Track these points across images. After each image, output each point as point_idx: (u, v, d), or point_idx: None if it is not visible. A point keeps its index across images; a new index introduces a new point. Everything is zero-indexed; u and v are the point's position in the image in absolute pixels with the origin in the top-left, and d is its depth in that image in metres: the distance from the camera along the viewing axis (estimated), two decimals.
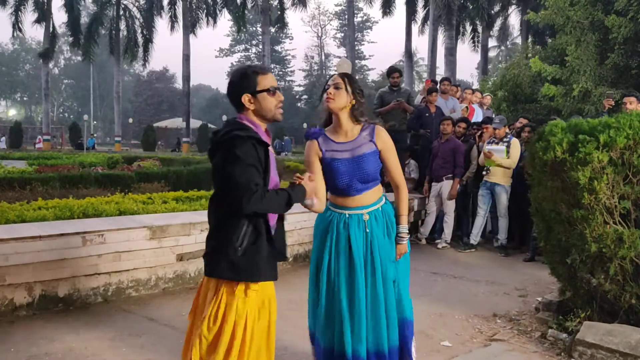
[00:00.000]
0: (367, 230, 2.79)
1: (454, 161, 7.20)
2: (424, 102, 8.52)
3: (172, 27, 35.86)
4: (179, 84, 54.49)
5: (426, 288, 5.16)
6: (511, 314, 4.44)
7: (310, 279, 3.00)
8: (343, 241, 2.80)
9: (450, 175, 7.23)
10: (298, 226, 5.92)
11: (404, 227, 2.91)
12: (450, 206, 7.27)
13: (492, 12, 30.54)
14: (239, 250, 2.23)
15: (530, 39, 26.66)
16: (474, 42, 31.25)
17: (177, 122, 44.41)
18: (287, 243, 5.75)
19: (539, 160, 4.01)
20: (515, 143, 6.89)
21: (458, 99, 8.91)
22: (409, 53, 31.20)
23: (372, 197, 2.84)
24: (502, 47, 46.46)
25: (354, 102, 2.80)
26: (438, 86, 8.81)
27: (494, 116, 8.17)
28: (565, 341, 3.66)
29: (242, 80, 2.32)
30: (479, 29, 30.80)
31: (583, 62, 12.75)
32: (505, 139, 6.94)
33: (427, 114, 8.01)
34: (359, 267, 2.75)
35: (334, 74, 2.85)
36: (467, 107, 8.77)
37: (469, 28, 30.94)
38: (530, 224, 6.10)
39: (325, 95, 2.78)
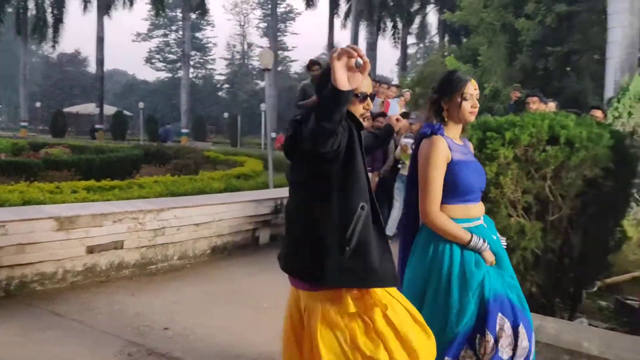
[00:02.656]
0: (495, 238, 2.52)
1: (373, 155, 7.36)
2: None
3: (85, 8, 34.11)
4: (92, 67, 51.83)
5: None
6: None
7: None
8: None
9: (369, 168, 7.36)
10: (217, 217, 5.84)
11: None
12: None
13: (412, 10, 31.47)
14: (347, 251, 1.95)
15: (446, 38, 27.73)
16: (394, 38, 32.09)
17: (89, 108, 42.25)
18: (206, 235, 5.74)
19: None
20: None
21: (375, 93, 9.11)
22: (331, 46, 31.46)
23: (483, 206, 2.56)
24: (421, 45, 47.97)
25: None
26: None
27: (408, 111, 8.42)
28: None
29: None
30: (399, 25, 31.64)
31: (494, 62, 13.44)
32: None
33: None
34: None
35: (466, 80, 2.40)
36: (383, 101, 8.99)
37: (389, 24, 31.73)
38: None
39: (469, 107, 2.40)
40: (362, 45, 28.67)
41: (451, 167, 2.37)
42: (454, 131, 2.47)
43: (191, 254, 5.64)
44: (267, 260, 5.87)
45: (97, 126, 33.70)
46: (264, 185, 9.11)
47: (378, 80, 10.19)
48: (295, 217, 2.11)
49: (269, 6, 37.37)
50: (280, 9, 52.30)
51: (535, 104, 6.56)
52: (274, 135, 21.28)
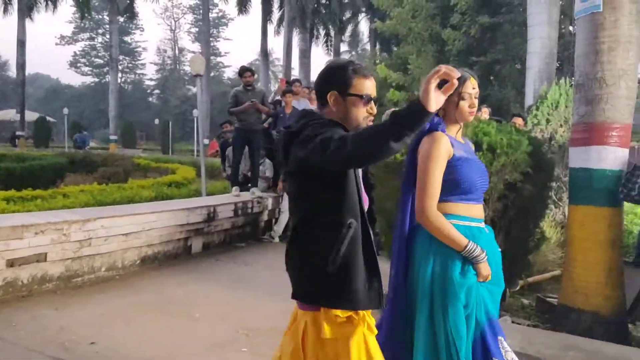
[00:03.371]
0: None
1: None
2: (278, 101, 8.67)
3: (5, 10, 32.28)
4: (12, 72, 49.21)
5: (279, 285, 5.22)
6: None
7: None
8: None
9: None
10: (147, 227, 5.69)
11: None
12: None
13: (344, 18, 31.93)
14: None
15: (378, 46, 28.33)
16: (327, 45, 32.42)
17: (9, 114, 39.93)
18: (136, 245, 5.57)
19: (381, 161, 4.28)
20: None
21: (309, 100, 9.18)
22: (264, 52, 31.44)
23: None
24: (354, 52, 48.76)
25: None
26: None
27: None
28: None
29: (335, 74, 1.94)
30: (332, 33, 32.02)
31: (423, 71, 13.85)
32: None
33: (282, 115, 8.16)
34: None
35: (464, 79, 2.25)
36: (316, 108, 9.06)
37: (322, 32, 32.04)
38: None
39: (467, 107, 2.28)
40: (295, 51, 28.87)
41: (453, 163, 2.23)
42: (453, 130, 2.34)
43: (120, 265, 5.45)
44: (200, 270, 5.79)
45: (18, 133, 31.84)
46: (197, 193, 8.95)
47: (308, 87, 10.25)
48: (292, 233, 1.99)
49: (201, 11, 36.80)
50: (213, 14, 51.62)
51: None
52: (206, 141, 20.94)
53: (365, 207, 1.93)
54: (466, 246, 2.14)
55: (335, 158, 1.67)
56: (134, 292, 4.84)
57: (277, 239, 7.62)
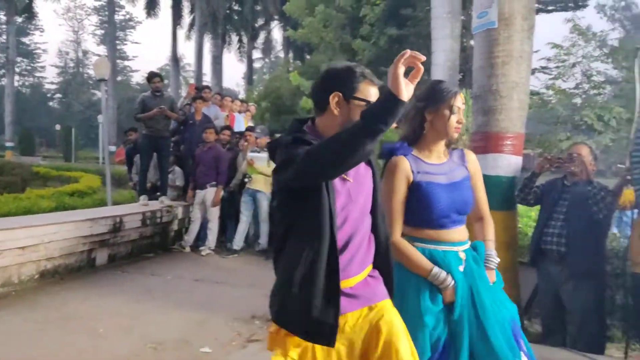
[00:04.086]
0: (464, 270, 2.22)
1: (217, 168, 7.30)
2: (187, 107, 8.49)
3: None
4: None
5: (189, 295, 5.12)
6: (268, 315, 4.61)
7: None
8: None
9: (213, 182, 7.31)
10: (46, 239, 5.35)
11: (493, 252, 2.37)
12: (214, 213, 7.35)
13: (257, 25, 31.87)
14: None
15: (291, 54, 28.51)
16: (240, 52, 32.19)
17: None
18: (34, 258, 5.22)
19: None
20: None
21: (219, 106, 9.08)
22: (175, 57, 30.72)
23: (464, 233, 2.30)
24: (267, 60, 48.77)
25: None
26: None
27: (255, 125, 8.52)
28: None
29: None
30: (245, 40, 31.85)
31: None
32: (266, 148, 7.31)
33: (191, 121, 8.00)
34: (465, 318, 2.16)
35: (455, 92, 2.21)
36: (227, 115, 8.99)
37: (235, 38, 31.79)
38: None
39: (455, 122, 2.20)
40: (207, 58, 28.46)
41: (413, 188, 2.17)
42: (432, 146, 2.26)
43: (16, 280, 5.09)
44: (105, 283, 5.53)
45: None
46: (102, 202, 8.57)
47: (219, 93, 10.14)
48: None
49: (106, 13, 35.32)
50: (119, 17, 49.83)
51: None
52: (113, 148, 20.09)
53: (364, 225, 1.86)
54: (430, 271, 2.12)
55: (308, 170, 1.61)
56: (31, 309, 4.54)
57: (187, 249, 7.44)
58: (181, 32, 31.09)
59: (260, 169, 7.13)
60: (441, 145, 2.28)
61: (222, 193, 7.36)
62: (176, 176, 8.27)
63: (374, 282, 1.89)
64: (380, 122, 1.48)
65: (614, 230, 5.80)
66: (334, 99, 1.77)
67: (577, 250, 3.69)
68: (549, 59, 13.64)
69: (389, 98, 1.48)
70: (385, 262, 1.94)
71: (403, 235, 2.24)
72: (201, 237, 7.54)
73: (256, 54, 38.85)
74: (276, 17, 32.42)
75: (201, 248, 7.35)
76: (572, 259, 3.70)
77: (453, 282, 2.13)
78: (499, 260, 2.34)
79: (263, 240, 7.34)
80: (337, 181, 1.77)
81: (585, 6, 14.29)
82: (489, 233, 2.40)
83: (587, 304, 3.77)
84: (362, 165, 1.86)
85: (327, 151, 1.57)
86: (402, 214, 2.19)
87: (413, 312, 2.10)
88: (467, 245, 2.28)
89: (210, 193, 7.32)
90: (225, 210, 7.61)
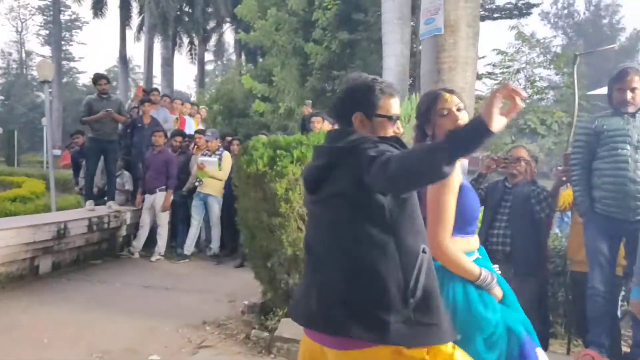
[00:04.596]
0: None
1: (167, 173, 7.18)
2: (135, 110, 8.30)
3: None
4: None
5: (137, 302, 5.01)
6: (220, 320, 4.61)
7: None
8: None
9: (163, 187, 7.18)
10: (2, 244, 5.16)
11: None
12: (163, 218, 7.21)
13: (208, 27, 31.49)
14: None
15: (243, 57, 28.31)
16: (191, 54, 31.70)
17: None
18: None
19: (243, 172, 4.30)
20: (227, 156, 7.23)
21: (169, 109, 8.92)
22: (123, 59, 29.96)
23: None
24: (219, 62, 48.25)
25: None
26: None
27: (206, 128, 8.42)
28: (266, 339, 3.98)
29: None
30: (196, 42, 31.41)
31: (287, 83, 14.10)
32: (217, 152, 7.24)
33: (139, 125, 7.83)
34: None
35: (447, 94, 2.13)
36: (177, 118, 8.85)
37: (186, 40, 31.28)
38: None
39: (450, 124, 2.06)
40: (157, 59, 27.88)
41: (461, 192, 2.04)
42: None
43: None
44: (49, 291, 5.35)
45: None
46: (46, 208, 8.28)
47: (168, 96, 9.96)
48: (330, 261, 1.73)
49: (51, 13, 34.13)
50: (65, 17, 48.17)
51: (319, 123, 6.97)
52: (58, 152, 19.39)
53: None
54: (480, 275, 2.02)
55: (376, 179, 1.54)
56: None
57: (136, 255, 7.27)
58: (130, 33, 30.42)
59: (211, 173, 7.05)
60: None
61: (172, 197, 7.24)
62: (125, 180, 8.08)
63: None
64: (463, 149, 1.43)
65: (556, 230, 6.05)
66: (356, 119, 1.78)
67: (521, 249, 3.81)
68: (494, 65, 14.14)
69: (479, 127, 1.41)
70: None
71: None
72: (150, 242, 7.39)
73: (208, 57, 38.39)
74: (228, 19, 32.20)
75: (152, 254, 7.20)
76: (516, 258, 3.83)
77: (497, 280, 2.09)
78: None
79: (214, 245, 7.25)
80: None
81: (529, 14, 14.84)
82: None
83: (530, 301, 3.89)
84: None
85: (403, 164, 1.49)
86: (453, 221, 2.04)
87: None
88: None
89: (159, 197, 7.19)
90: (175, 214, 7.49)
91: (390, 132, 1.79)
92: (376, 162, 1.53)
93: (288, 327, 3.84)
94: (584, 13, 46.63)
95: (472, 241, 2.12)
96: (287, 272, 4.18)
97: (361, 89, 1.81)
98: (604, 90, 3.83)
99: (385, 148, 1.61)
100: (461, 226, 2.05)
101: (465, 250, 2.06)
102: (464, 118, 2.07)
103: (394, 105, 1.80)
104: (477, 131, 1.40)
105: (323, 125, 6.38)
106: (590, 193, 3.56)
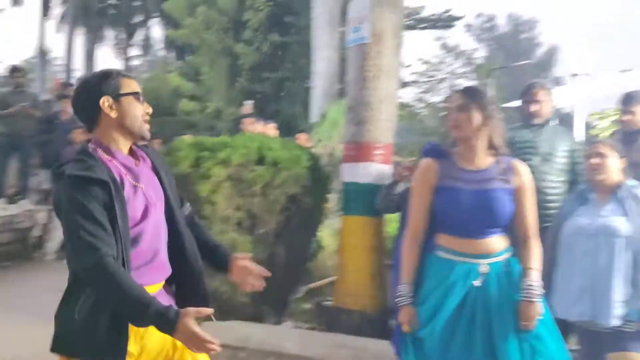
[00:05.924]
0: (479, 285, 2.15)
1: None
2: (48, 104, 7.91)
3: None
4: None
5: (49, 307, 4.76)
6: None
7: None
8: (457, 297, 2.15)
9: None
10: None
11: (536, 283, 2.17)
12: None
13: (134, 21, 30.53)
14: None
15: (173, 53, 27.63)
16: (116, 48, 30.61)
17: None
18: None
19: None
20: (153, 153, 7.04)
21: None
22: (42, 50, 28.46)
23: (495, 245, 2.20)
24: (147, 58, 46.81)
25: (488, 126, 2.19)
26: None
27: None
28: None
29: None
30: (122, 36, 30.36)
31: (216, 82, 13.92)
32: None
33: (57, 121, 7.47)
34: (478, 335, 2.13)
35: (454, 93, 2.26)
36: None
37: (111, 34, 30.16)
38: None
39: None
40: (80, 52, 26.69)
41: (434, 194, 2.21)
42: (463, 150, 2.24)
43: None
44: None
45: None
46: None
47: None
48: None
49: None
50: None
51: (251, 125, 6.96)
52: None
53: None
54: (402, 284, 2.21)
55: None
56: None
57: (50, 257, 6.93)
58: (51, 24, 28.94)
59: None
60: (475, 150, 2.22)
61: None
62: (42, 179, 7.68)
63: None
64: (145, 323, 1.64)
65: None
66: (105, 103, 1.77)
67: None
68: (420, 74, 14.64)
69: (167, 322, 1.58)
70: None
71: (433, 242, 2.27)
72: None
73: (135, 51, 37.16)
74: (155, 14, 31.34)
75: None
76: None
77: (407, 302, 2.20)
78: (542, 292, 2.18)
79: None
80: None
81: (452, 26, 15.47)
82: (530, 260, 2.20)
83: None
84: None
85: (107, 285, 1.65)
86: (419, 219, 2.25)
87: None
88: (496, 258, 2.20)
89: None
90: None
91: (140, 109, 1.85)
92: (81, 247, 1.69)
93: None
94: (505, 27, 48.99)
95: (469, 244, 2.17)
96: (211, 275, 4.13)
97: (97, 79, 1.85)
98: (520, 103, 4.07)
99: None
100: (440, 225, 2.22)
101: (455, 248, 2.18)
102: None
103: (134, 85, 1.86)
104: (164, 323, 1.58)
105: (256, 127, 6.38)
106: None
